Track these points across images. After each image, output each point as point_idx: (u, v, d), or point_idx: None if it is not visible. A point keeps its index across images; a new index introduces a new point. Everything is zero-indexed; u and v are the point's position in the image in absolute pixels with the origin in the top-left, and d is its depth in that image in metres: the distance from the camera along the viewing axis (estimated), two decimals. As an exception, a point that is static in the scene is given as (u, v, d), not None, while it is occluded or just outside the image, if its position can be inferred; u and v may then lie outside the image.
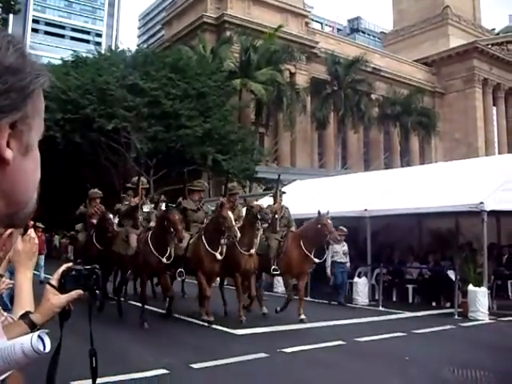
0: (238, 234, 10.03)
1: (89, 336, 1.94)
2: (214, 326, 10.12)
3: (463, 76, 61.73)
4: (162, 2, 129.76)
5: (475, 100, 61.16)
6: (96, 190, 15.19)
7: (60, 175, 31.16)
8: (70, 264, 1.97)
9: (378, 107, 53.17)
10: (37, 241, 2.12)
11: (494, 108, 63.73)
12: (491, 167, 15.54)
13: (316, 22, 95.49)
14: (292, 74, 48.36)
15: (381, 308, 13.65)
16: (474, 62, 61.28)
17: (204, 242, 10.52)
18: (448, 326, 10.88)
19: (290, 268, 11.82)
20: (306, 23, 54.37)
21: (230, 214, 10.24)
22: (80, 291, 1.87)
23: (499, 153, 55.61)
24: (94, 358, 1.95)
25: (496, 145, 62.12)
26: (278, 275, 12.72)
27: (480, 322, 11.72)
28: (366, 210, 14.52)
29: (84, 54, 39.28)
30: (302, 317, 11.09)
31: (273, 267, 11.84)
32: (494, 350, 8.54)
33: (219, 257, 10.53)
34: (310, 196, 17.45)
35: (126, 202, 11.62)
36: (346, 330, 10.08)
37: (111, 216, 13.31)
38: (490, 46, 63.10)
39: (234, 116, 38.11)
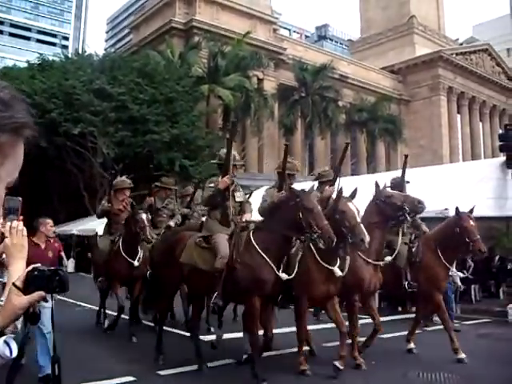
0: (367, 238, 6.83)
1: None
2: (183, 333, 9.77)
3: (429, 84, 62.77)
4: (130, 6, 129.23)
5: (440, 108, 62.22)
6: (124, 178, 11.70)
7: (25, 180, 30.61)
8: (38, 265, 1.93)
9: (345, 114, 53.58)
10: (25, 232, 2.08)
11: (459, 116, 64.90)
12: (455, 174, 15.82)
13: (284, 28, 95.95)
14: (260, 81, 48.48)
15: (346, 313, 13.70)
16: (439, 71, 62.40)
17: (314, 252, 7.15)
18: (413, 331, 11.00)
19: (436, 281, 8.60)
20: (274, 30, 54.59)
21: (352, 206, 7.11)
22: (42, 293, 1.83)
23: (463, 160, 56.62)
24: (56, 365, 1.91)
25: (460, 152, 63.16)
26: (413, 293, 8.94)
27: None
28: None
29: (50, 57, 38.70)
30: (462, 356, 8.21)
31: (406, 282, 8.64)
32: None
33: (339, 273, 7.11)
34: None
35: (211, 185, 7.71)
36: (313, 335, 10.11)
37: (144, 216, 9.77)
38: (454, 56, 64.31)
39: (201, 121, 38.01)
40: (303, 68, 48.41)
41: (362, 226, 6.89)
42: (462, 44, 75.09)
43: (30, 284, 1.83)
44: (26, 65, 39.23)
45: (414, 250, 8.77)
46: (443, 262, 8.53)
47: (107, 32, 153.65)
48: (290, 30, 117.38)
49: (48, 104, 29.83)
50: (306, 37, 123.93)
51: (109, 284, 10.55)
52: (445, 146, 61.11)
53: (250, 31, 45.03)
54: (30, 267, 1.88)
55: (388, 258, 8.24)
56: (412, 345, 8.94)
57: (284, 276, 6.78)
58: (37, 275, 1.86)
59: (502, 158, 16.03)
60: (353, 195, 7.32)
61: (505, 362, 7.93)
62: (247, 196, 8.22)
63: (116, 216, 10.73)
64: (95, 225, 25.78)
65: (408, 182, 9.68)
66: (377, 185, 8.31)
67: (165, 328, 8.76)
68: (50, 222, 7.79)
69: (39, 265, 1.92)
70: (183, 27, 47.58)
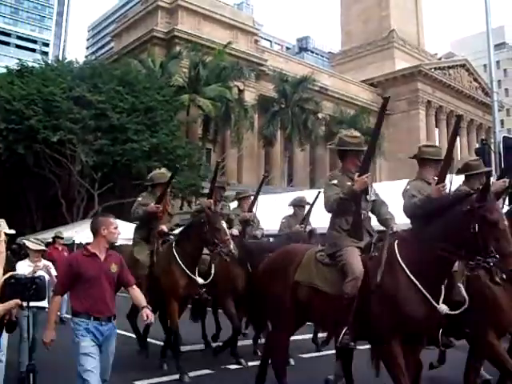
0: None
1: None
2: (160, 343, 9.70)
3: (407, 98, 63.46)
4: (112, 14, 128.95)
5: (419, 121, 62.97)
6: (163, 169, 9.12)
7: (1, 186, 30.35)
8: (15, 272, 1.92)
9: (325, 126, 53.85)
10: (3, 237, 1.99)
11: (437, 130, 65.63)
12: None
13: (265, 39, 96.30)
14: (240, 91, 48.59)
15: None
16: (418, 85, 63.22)
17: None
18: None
19: None
20: (256, 41, 54.92)
21: None
22: (18, 300, 1.82)
23: (441, 173, 57.16)
24: (32, 374, 1.92)
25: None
26: None
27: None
28: (309, 228, 14.58)
29: (30, 63, 38.38)
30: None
31: None
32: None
33: None
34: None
35: (334, 182, 5.82)
36: (292, 346, 10.08)
37: (225, 225, 7.77)
38: (433, 70, 65.24)
39: (181, 131, 37.96)
40: (284, 79, 48.62)
41: None
42: (440, 59, 76.20)
43: (6, 292, 1.83)
44: (4, 70, 38.85)
45: None
46: None
47: (88, 39, 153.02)
48: (271, 41, 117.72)
49: (27, 111, 29.52)
50: (287, 48, 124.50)
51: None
52: (423, 159, 61.72)
53: (231, 42, 45.28)
54: (8, 274, 1.88)
55: None
56: None
57: (444, 309, 4.76)
58: (13, 283, 1.86)
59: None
60: None
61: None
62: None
63: (155, 217, 8.25)
64: (73, 234, 25.52)
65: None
66: None
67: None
68: (114, 222, 5.26)
69: (16, 273, 1.91)
70: (165, 36, 47.63)
